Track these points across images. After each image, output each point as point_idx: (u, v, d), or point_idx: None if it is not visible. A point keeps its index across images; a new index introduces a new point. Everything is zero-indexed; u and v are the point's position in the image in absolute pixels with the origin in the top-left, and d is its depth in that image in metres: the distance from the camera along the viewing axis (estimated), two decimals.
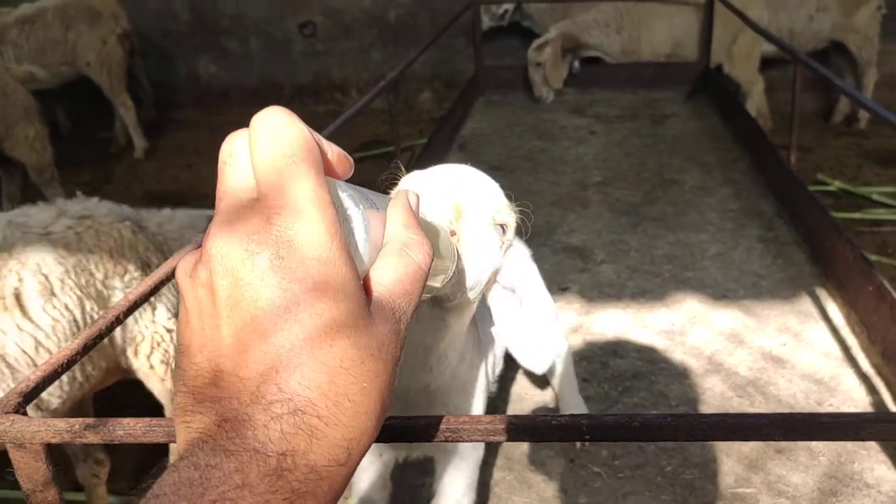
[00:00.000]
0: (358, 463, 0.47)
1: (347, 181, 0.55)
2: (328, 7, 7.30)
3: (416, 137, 6.17)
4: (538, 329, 1.25)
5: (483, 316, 1.50)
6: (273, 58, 7.49)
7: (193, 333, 0.46)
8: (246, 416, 0.42)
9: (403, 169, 1.05)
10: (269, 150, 0.45)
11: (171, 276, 1.51)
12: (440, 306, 1.12)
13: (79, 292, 2.16)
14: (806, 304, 2.73)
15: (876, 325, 2.36)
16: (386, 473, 1.72)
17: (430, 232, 0.73)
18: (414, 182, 1.02)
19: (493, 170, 4.29)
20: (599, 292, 2.90)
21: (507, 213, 1.08)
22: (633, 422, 0.95)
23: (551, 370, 2.15)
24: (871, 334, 2.40)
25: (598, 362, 2.47)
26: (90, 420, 1.01)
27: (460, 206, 0.99)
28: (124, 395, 3.32)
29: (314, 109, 7.46)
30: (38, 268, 2.11)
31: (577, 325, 2.67)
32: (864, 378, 2.31)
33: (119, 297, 2.24)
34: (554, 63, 5.54)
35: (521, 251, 1.65)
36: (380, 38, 7.37)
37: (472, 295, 1.10)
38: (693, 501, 1.91)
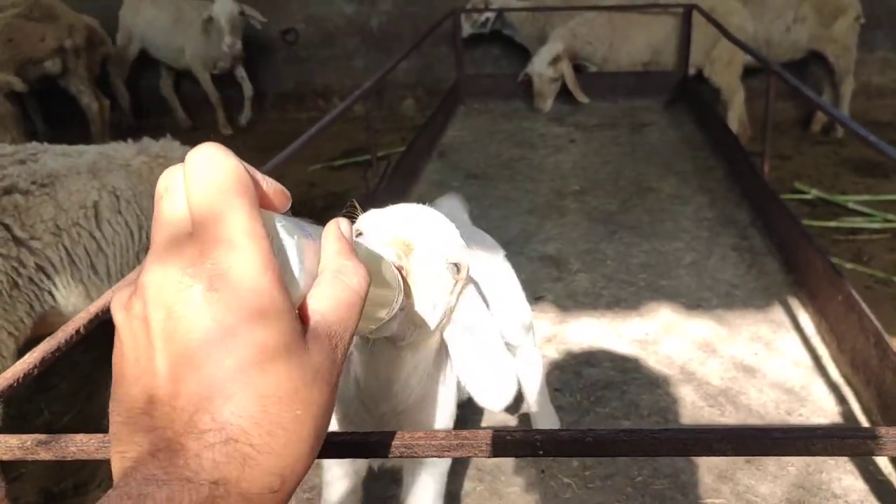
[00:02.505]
0: (293, 490, 0.47)
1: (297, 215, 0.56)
2: (310, 14, 7.30)
3: (398, 145, 6.16)
4: (494, 369, 1.25)
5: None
6: (255, 64, 7.47)
7: (128, 364, 0.46)
8: (179, 446, 0.43)
9: (359, 207, 1.06)
10: (203, 184, 0.46)
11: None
12: (394, 344, 1.12)
13: (139, 213, 2.68)
14: (778, 313, 2.75)
15: (845, 335, 2.38)
16: (358, 482, 1.73)
17: (372, 261, 0.73)
18: (367, 220, 1.03)
19: (471, 177, 4.32)
20: (574, 301, 2.91)
21: (461, 253, 1.08)
22: (586, 437, 0.96)
23: (523, 382, 2.15)
24: (840, 343, 2.42)
25: (571, 372, 2.47)
26: (43, 436, 1.00)
27: (408, 242, 0.99)
28: (86, 411, 3.30)
29: (296, 116, 7.45)
30: (113, 189, 2.64)
31: (552, 335, 2.68)
32: (834, 387, 2.33)
33: None
34: (574, 77, 5.56)
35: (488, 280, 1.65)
36: (362, 46, 7.37)
37: (426, 334, 1.10)
38: None
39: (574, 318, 2.80)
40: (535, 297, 2.94)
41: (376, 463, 1.67)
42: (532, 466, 2.07)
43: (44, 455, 0.99)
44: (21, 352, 2.38)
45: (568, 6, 5.95)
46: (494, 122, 5.40)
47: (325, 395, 0.47)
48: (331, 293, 0.51)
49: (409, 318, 1.01)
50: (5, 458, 1.00)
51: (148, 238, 2.73)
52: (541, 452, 0.96)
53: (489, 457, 0.98)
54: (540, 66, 5.54)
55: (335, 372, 0.49)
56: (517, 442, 0.96)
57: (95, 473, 2.83)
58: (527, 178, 4.24)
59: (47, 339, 1.30)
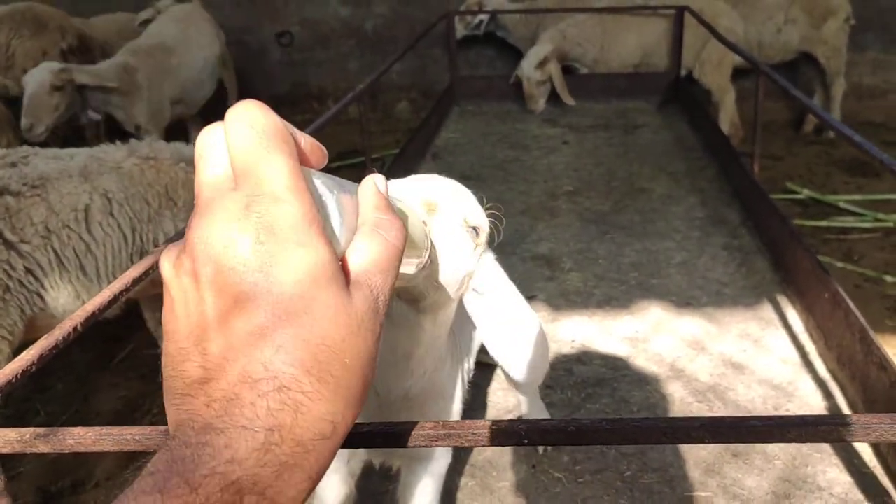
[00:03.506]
0: (343, 437, 0.49)
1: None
2: (305, 17, 7.33)
3: (392, 147, 6.19)
4: (531, 346, 1.26)
5: (459, 326, 1.51)
6: (250, 67, 7.50)
7: (179, 320, 0.48)
8: (234, 395, 0.45)
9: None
10: (244, 140, 0.47)
11: (129, 288, 1.54)
12: (415, 307, 1.12)
13: (132, 216, 2.71)
14: (767, 310, 2.79)
15: (832, 332, 2.41)
16: (351, 481, 1.75)
17: (402, 216, 0.75)
18: (392, 185, 1.05)
19: (464, 179, 4.31)
20: (566, 300, 2.94)
21: (480, 217, 1.09)
22: (569, 426, 0.99)
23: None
24: (827, 340, 2.45)
25: (562, 369, 2.50)
26: (41, 430, 1.02)
27: (432, 202, 1.01)
28: (83, 411, 3.32)
29: (291, 119, 7.34)
30: (104, 192, 2.65)
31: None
32: (821, 383, 2.36)
33: (168, 224, 2.82)
34: (561, 79, 5.60)
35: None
36: (357, 48, 7.41)
37: (446, 296, 1.10)
38: None
39: (566, 316, 2.83)
40: (527, 296, 2.96)
41: (378, 460, 1.68)
42: (523, 462, 2.10)
43: (42, 448, 1.01)
44: (14, 355, 2.40)
45: (560, 8, 5.99)
46: (488, 124, 5.44)
47: (369, 344, 0.50)
48: (370, 246, 0.53)
49: (433, 274, 1.02)
50: (4, 450, 1.02)
51: (142, 240, 2.75)
52: (525, 441, 0.99)
53: (474, 446, 1.01)
54: (528, 69, 5.59)
55: (378, 321, 0.51)
56: (503, 431, 0.99)
57: (93, 472, 2.86)
58: (520, 180, 4.27)
59: (45, 336, 1.33)
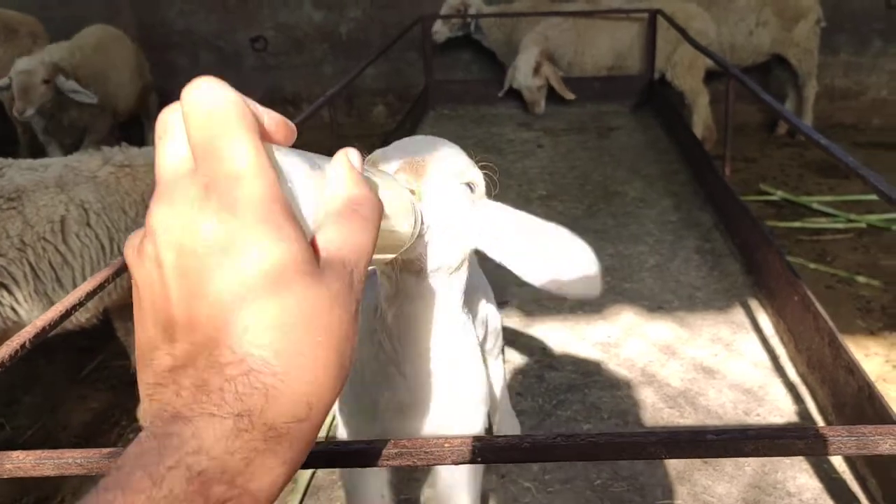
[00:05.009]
0: (322, 419, 0.46)
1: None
2: (279, 22, 7.29)
3: (369, 151, 6.16)
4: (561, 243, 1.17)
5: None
6: (224, 72, 7.40)
7: (145, 308, 0.47)
8: (202, 382, 0.43)
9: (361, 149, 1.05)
10: (202, 119, 0.45)
11: (81, 302, 1.50)
12: (421, 275, 1.07)
13: (109, 225, 2.65)
14: (738, 314, 2.78)
15: (802, 335, 2.41)
16: (383, 487, 1.68)
17: (385, 189, 0.72)
18: (377, 152, 1.03)
19: None
20: (538, 306, 2.92)
21: (473, 171, 1.06)
22: (523, 443, 0.97)
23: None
24: (798, 343, 2.45)
25: (533, 376, 2.48)
26: None
27: (418, 165, 0.99)
28: (49, 425, 3.26)
29: None
30: (81, 202, 2.60)
31: (515, 340, 2.69)
32: (791, 387, 2.36)
33: None
34: (558, 77, 5.59)
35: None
36: (331, 52, 7.37)
37: (453, 257, 1.06)
38: None
39: (538, 322, 2.81)
40: (500, 301, 2.95)
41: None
42: (492, 471, 2.08)
43: None
44: None
45: (536, 12, 5.98)
46: (463, 128, 5.42)
47: (344, 323, 0.47)
48: (340, 221, 0.50)
49: (433, 238, 0.99)
50: None
51: (119, 250, 2.71)
52: (479, 459, 0.97)
53: (427, 465, 0.98)
54: (525, 79, 5.57)
55: (352, 298, 0.49)
56: (456, 450, 0.96)
57: (60, 487, 2.80)
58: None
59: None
